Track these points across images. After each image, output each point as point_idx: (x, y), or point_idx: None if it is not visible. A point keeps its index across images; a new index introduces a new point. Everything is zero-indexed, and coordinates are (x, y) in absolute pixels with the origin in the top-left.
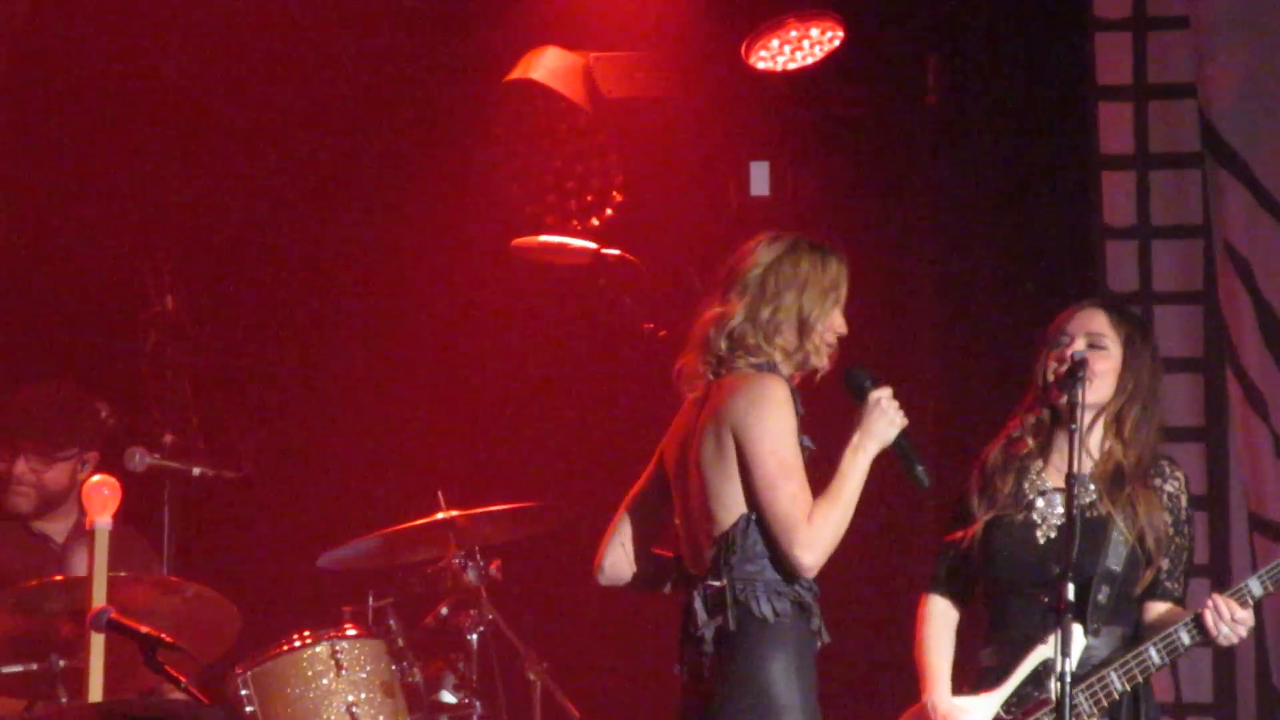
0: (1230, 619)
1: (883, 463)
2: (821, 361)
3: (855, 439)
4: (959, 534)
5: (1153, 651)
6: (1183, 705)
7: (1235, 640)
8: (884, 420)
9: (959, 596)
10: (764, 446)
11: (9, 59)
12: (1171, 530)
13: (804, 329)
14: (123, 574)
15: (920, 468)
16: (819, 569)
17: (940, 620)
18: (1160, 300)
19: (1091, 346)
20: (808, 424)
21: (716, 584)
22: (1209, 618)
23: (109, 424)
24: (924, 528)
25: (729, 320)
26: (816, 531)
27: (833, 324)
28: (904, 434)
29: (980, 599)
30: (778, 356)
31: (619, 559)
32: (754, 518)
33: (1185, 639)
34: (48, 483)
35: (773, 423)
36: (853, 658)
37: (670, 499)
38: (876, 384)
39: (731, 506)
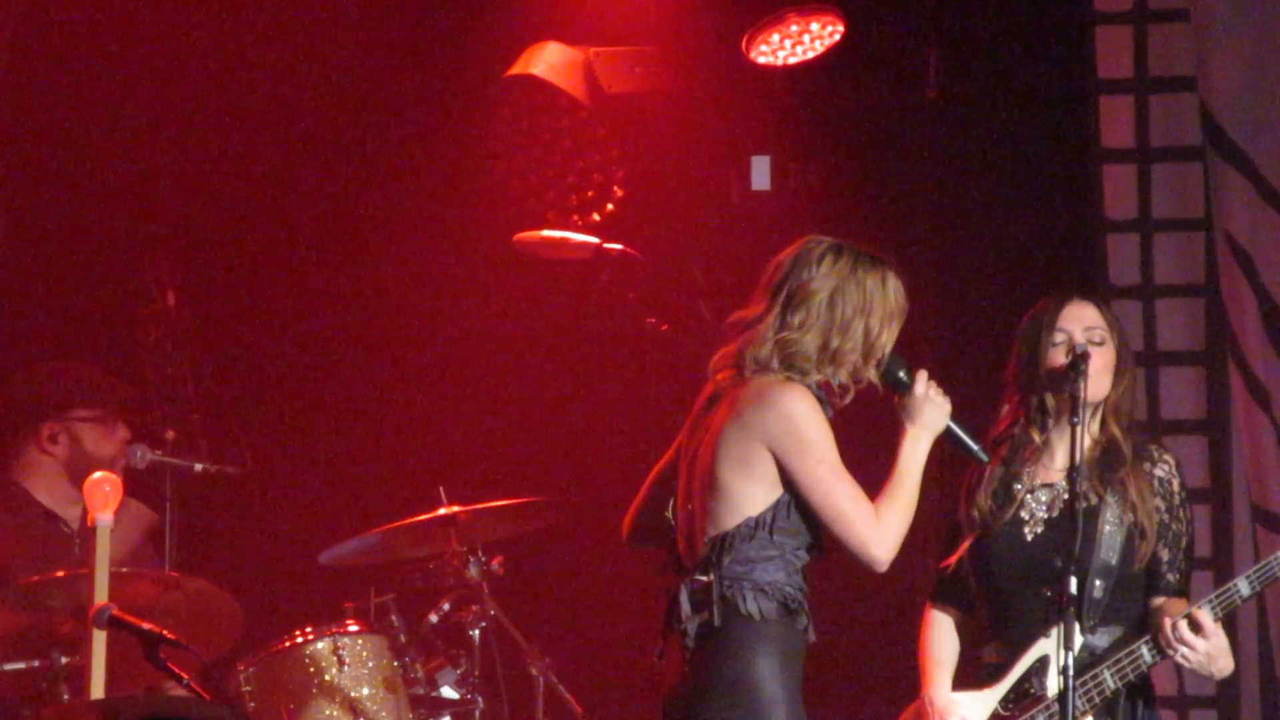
0: (1184, 637)
1: (884, 468)
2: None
3: (911, 432)
4: (950, 559)
5: (1144, 649)
6: (1186, 698)
7: (1186, 662)
8: (935, 410)
9: (960, 604)
10: (811, 458)
11: (9, 53)
12: (1166, 516)
13: (869, 354)
14: (124, 570)
15: (976, 446)
16: (889, 563)
17: (940, 625)
18: (1162, 293)
19: (1090, 342)
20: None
21: (703, 579)
22: (1166, 629)
23: None
24: (923, 523)
25: (793, 344)
26: (886, 527)
27: (889, 344)
28: (951, 416)
29: (980, 601)
30: (842, 377)
31: (645, 526)
32: (760, 523)
33: None
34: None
35: (811, 433)
36: (847, 656)
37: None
38: (911, 371)
39: (738, 509)
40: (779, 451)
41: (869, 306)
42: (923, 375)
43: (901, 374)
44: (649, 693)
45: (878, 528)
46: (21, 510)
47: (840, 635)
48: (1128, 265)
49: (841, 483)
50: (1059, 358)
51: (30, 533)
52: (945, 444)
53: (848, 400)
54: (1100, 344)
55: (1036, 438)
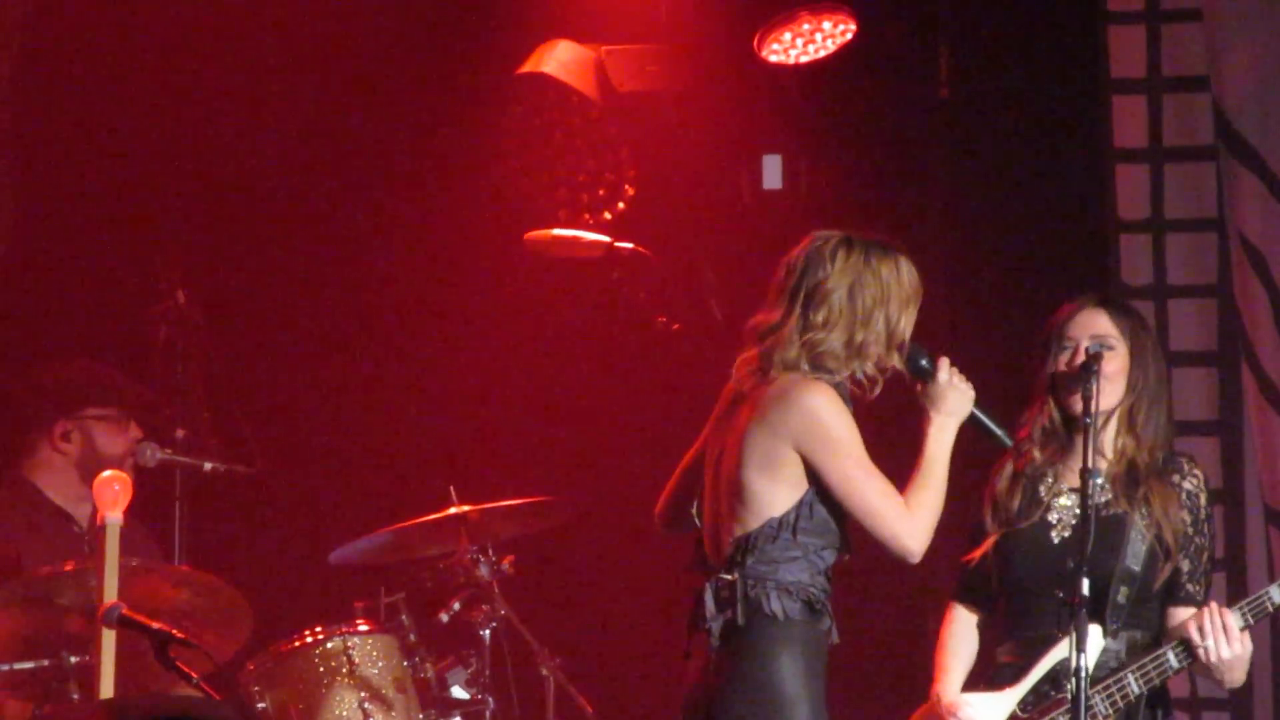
0: (1221, 628)
1: (898, 469)
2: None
3: (936, 420)
4: (973, 553)
5: (1171, 655)
6: (1199, 700)
7: (1216, 659)
8: (959, 396)
9: (982, 604)
10: (838, 454)
11: (19, 53)
12: (1190, 529)
13: (891, 342)
14: (134, 563)
15: (1000, 431)
16: (923, 554)
17: (961, 624)
18: (1174, 294)
19: (1100, 348)
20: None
21: (728, 577)
22: (1193, 628)
23: None
24: (940, 525)
25: (820, 344)
26: (918, 519)
27: (909, 330)
28: (975, 402)
29: (999, 601)
30: (869, 369)
31: (676, 514)
32: (783, 523)
33: None
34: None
35: (836, 430)
36: (865, 656)
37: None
38: (933, 359)
39: (761, 510)
40: (805, 450)
41: (887, 295)
42: (944, 362)
43: (924, 362)
44: (660, 692)
45: (909, 520)
46: (32, 508)
47: (856, 635)
48: (1140, 265)
49: (870, 478)
50: (1060, 364)
51: (41, 531)
52: (970, 430)
53: (877, 392)
54: (1109, 349)
55: (1040, 451)
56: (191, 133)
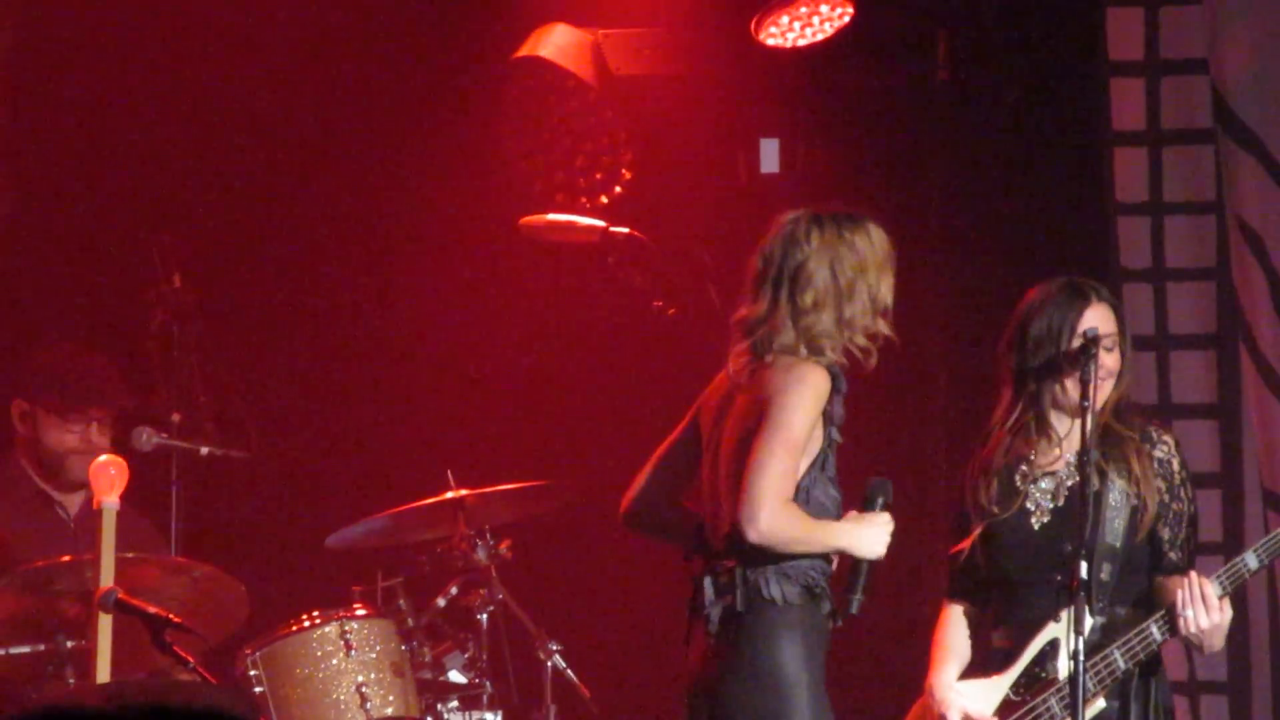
0: (1200, 597)
1: (894, 451)
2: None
3: (850, 525)
4: (961, 544)
5: (1154, 628)
6: (1197, 683)
7: (1195, 629)
8: (878, 539)
9: (974, 600)
10: (781, 418)
11: (15, 34)
12: (1167, 496)
13: (876, 307)
14: (130, 555)
15: (857, 598)
16: (758, 544)
17: (954, 620)
18: (1173, 277)
19: (1097, 332)
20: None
21: (727, 563)
22: (1180, 594)
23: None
24: (934, 513)
25: (814, 325)
26: (784, 516)
27: (889, 294)
28: (872, 564)
29: (989, 589)
30: (860, 340)
31: (644, 506)
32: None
33: None
34: (109, 448)
35: (799, 402)
36: (864, 641)
37: (703, 455)
38: (888, 505)
39: None
40: (767, 407)
41: (864, 265)
42: (886, 515)
43: (880, 503)
44: (657, 676)
45: (777, 506)
46: (18, 491)
47: (855, 619)
48: (1139, 248)
49: (782, 461)
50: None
51: (26, 515)
52: (849, 569)
53: (873, 362)
54: (1110, 350)
55: (1034, 427)
56: (187, 115)
